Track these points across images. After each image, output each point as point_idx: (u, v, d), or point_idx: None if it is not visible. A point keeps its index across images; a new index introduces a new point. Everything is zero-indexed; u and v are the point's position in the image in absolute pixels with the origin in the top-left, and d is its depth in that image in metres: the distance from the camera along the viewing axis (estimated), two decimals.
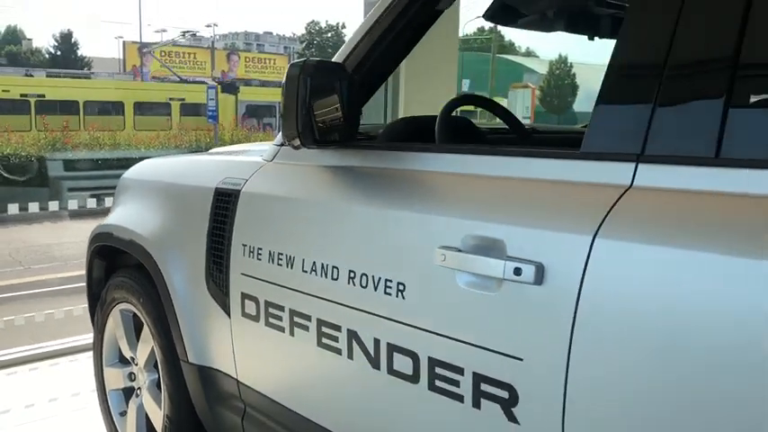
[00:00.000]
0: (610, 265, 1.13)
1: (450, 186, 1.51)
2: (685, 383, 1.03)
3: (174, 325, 2.16)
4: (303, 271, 1.70)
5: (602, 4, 2.06)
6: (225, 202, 1.99)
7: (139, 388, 2.49)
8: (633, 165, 1.17)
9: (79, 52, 53.19)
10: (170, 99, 22.39)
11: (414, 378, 1.44)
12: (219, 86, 23.31)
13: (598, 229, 1.15)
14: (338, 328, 1.61)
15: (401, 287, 1.46)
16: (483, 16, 2.17)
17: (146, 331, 2.36)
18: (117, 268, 2.61)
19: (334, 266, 1.62)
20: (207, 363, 2.11)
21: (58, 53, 51.94)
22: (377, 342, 1.52)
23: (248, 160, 2.09)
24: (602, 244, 1.14)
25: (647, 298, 1.08)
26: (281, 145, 1.93)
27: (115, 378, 2.62)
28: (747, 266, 0.98)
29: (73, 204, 5.33)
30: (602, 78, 1.27)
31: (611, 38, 2.07)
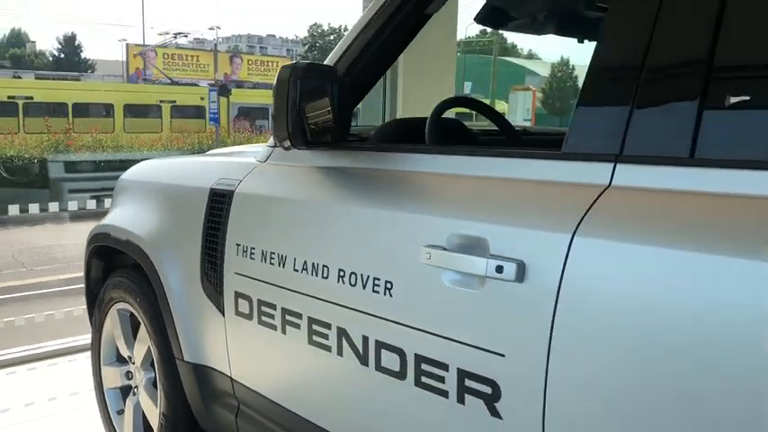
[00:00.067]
0: (588, 263, 1.16)
1: (438, 186, 1.54)
2: (663, 380, 1.06)
3: (169, 324, 2.19)
4: (295, 270, 1.73)
5: (591, 7, 2.09)
6: (219, 203, 2.03)
7: (136, 386, 2.52)
8: (612, 165, 1.20)
9: (83, 55, 53.37)
10: (160, 101, 22.22)
11: (401, 374, 1.47)
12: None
13: (577, 228, 1.18)
14: (328, 326, 1.64)
15: (389, 285, 1.49)
16: (474, 19, 2.19)
17: (142, 330, 2.39)
18: (115, 268, 2.64)
19: (324, 265, 1.65)
20: (202, 361, 2.14)
21: (62, 56, 52.11)
22: (365, 339, 1.55)
23: (242, 161, 2.12)
24: (581, 242, 1.17)
25: (625, 295, 1.11)
26: (274, 146, 1.96)
27: (113, 377, 2.65)
28: (722, 264, 1.01)
29: (73, 206, 5.37)
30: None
31: None
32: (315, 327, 1.68)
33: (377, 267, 1.52)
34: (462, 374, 1.34)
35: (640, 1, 1.23)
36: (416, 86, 4.22)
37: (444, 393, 1.38)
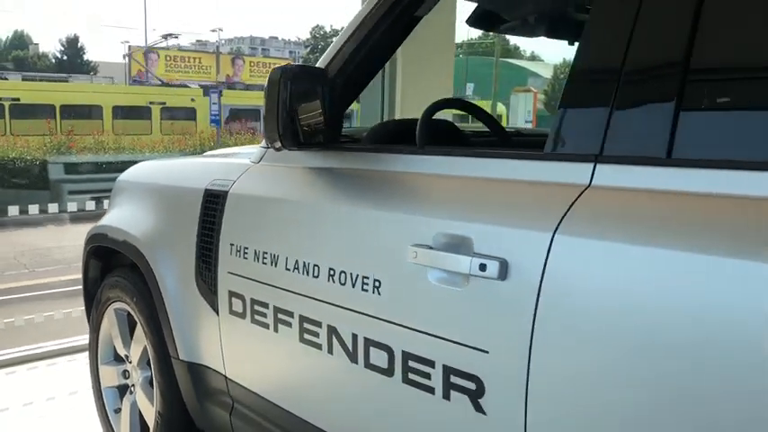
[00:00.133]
0: (568, 261, 1.19)
1: (425, 187, 1.57)
2: (642, 375, 1.08)
3: (165, 323, 2.22)
4: (286, 269, 1.76)
5: (581, 9, 2.12)
6: (213, 203, 2.05)
7: (133, 385, 2.54)
8: (592, 165, 1.23)
9: (85, 57, 53.48)
10: (150, 103, 21.94)
11: (389, 371, 1.49)
12: (203, 90, 23.06)
13: (557, 227, 1.20)
14: (319, 324, 1.67)
15: (377, 284, 1.51)
16: (466, 22, 2.22)
17: (139, 330, 2.42)
18: (112, 268, 2.67)
19: (315, 264, 1.67)
20: (197, 360, 2.16)
21: (65, 58, 52.22)
22: (355, 337, 1.57)
23: (237, 162, 2.15)
24: (562, 240, 1.19)
25: (604, 292, 1.14)
26: (267, 147, 1.99)
27: (110, 376, 2.67)
28: (698, 262, 1.03)
29: (72, 207, 5.40)
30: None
31: None
32: (306, 325, 1.71)
33: (366, 266, 1.55)
34: (448, 371, 1.37)
35: (619, 4, 1.26)
36: (415, 88, 4.24)
37: (431, 390, 1.41)
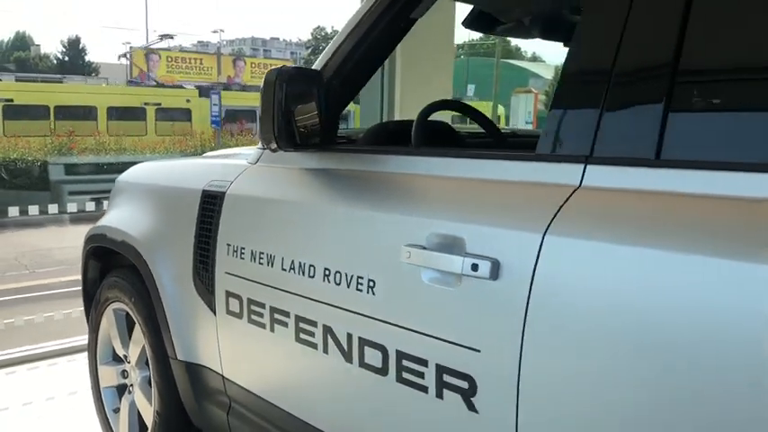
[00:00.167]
0: (558, 261, 1.20)
1: (419, 187, 1.58)
2: (631, 373, 1.09)
3: (163, 323, 2.23)
4: (283, 269, 1.77)
5: (576, 11, 2.13)
6: (211, 204, 2.07)
7: (132, 385, 2.56)
8: (582, 166, 1.24)
9: (87, 58, 53.54)
10: (145, 104, 21.71)
11: (383, 371, 1.51)
12: (198, 91, 22.82)
13: (548, 227, 1.22)
14: (314, 324, 1.68)
15: (372, 284, 1.52)
16: (462, 24, 2.23)
17: (137, 330, 2.44)
18: (111, 269, 2.68)
19: (311, 265, 1.69)
20: (194, 359, 2.18)
21: (66, 59, 52.29)
22: (350, 337, 1.59)
23: (234, 163, 2.16)
24: (552, 241, 1.21)
25: (593, 292, 1.15)
26: (264, 149, 2.00)
27: (109, 376, 2.69)
28: (686, 262, 1.05)
29: (72, 207, 5.42)
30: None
31: None
32: (302, 325, 1.72)
33: (361, 266, 1.56)
34: (441, 370, 1.38)
35: (609, 8, 1.27)
36: (414, 89, 4.26)
37: (424, 389, 1.42)
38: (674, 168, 1.13)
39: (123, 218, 2.50)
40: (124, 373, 2.63)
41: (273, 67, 1.70)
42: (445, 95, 4.50)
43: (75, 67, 48.87)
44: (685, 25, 1.15)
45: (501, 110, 24.45)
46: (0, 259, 9.54)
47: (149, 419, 2.42)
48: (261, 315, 1.85)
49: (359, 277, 1.55)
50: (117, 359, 2.67)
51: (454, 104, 2.13)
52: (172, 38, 30.68)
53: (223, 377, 2.08)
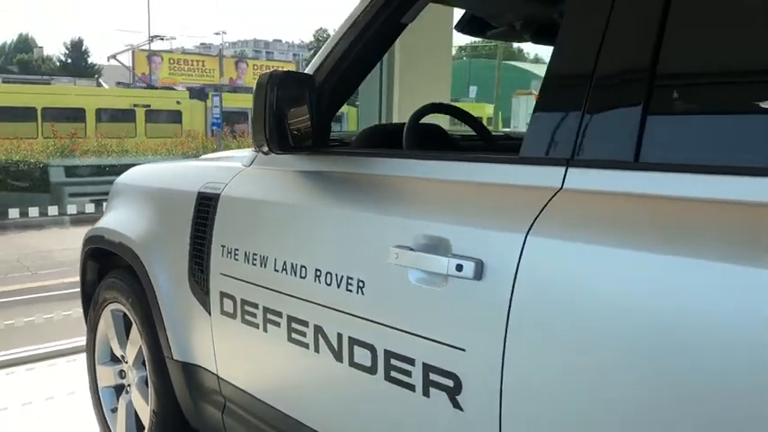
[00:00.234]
0: (539, 262, 1.23)
1: (408, 189, 1.61)
2: (611, 371, 1.12)
3: (159, 323, 2.26)
4: (275, 270, 1.80)
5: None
6: (206, 206, 2.10)
7: (129, 385, 2.59)
8: (564, 168, 1.27)
9: (89, 60, 53.65)
10: (134, 106, 21.34)
11: (372, 369, 1.54)
12: (188, 92, 22.54)
13: (530, 228, 1.24)
14: (306, 324, 1.71)
15: (361, 284, 1.55)
16: (455, 28, 2.26)
17: (134, 330, 2.47)
18: (109, 270, 2.71)
19: (302, 266, 1.72)
20: (190, 359, 2.20)
21: (69, 61, 52.40)
22: (339, 336, 1.62)
23: (229, 165, 2.19)
24: (534, 242, 1.23)
25: (573, 292, 1.17)
26: (258, 151, 2.03)
27: (107, 376, 2.72)
28: (662, 262, 1.07)
29: (72, 209, 5.45)
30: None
31: None
32: (294, 325, 1.75)
33: (350, 267, 1.59)
34: (427, 369, 1.41)
35: (590, 13, 1.30)
36: (412, 91, 4.29)
37: (411, 387, 1.45)
38: (652, 171, 1.16)
39: (121, 219, 2.53)
40: (122, 373, 2.66)
41: (264, 72, 1.73)
42: (444, 97, 4.53)
43: (78, 68, 48.96)
44: (663, 31, 1.18)
45: (493, 111, 24.44)
46: (2, 261, 9.57)
47: (146, 419, 2.45)
48: (254, 315, 1.88)
49: (349, 278, 1.58)
50: (115, 359, 2.70)
51: (445, 107, 2.16)
52: (162, 39, 30.48)
53: (218, 377, 2.11)
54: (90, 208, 5.39)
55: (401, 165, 1.66)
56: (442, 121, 2.56)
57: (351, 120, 19.07)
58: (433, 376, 1.40)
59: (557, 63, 1.36)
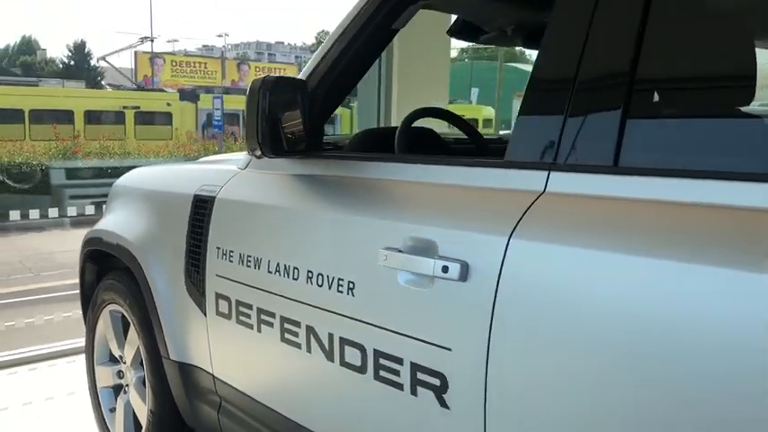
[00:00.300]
0: (522, 263, 1.26)
1: (398, 193, 1.64)
2: (591, 372, 1.15)
3: (156, 324, 2.30)
4: (269, 272, 1.83)
5: None
6: (202, 208, 2.13)
7: (127, 385, 2.62)
8: (546, 173, 1.30)
9: (92, 62, 53.72)
10: (123, 107, 21.13)
11: (362, 369, 1.57)
12: (179, 94, 22.43)
13: (513, 231, 1.27)
14: (298, 324, 1.74)
15: (351, 285, 1.59)
16: (447, 33, 2.29)
17: (132, 331, 2.50)
18: (108, 271, 2.75)
19: (295, 267, 1.75)
20: (186, 359, 2.24)
21: (72, 63, 52.52)
22: (331, 336, 1.65)
23: (225, 168, 2.22)
24: (516, 244, 1.27)
25: (553, 293, 1.21)
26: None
27: (105, 376, 2.75)
28: (641, 264, 1.11)
29: (72, 211, 5.49)
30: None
31: None
32: (287, 325, 1.78)
33: (341, 269, 1.62)
34: (415, 368, 1.44)
35: (572, 19, 1.33)
36: (411, 93, 4.32)
37: (399, 386, 1.48)
38: (630, 175, 1.19)
39: (119, 222, 2.57)
40: (120, 374, 2.69)
41: (257, 77, 1.77)
42: (442, 99, 4.56)
43: (81, 70, 49.07)
44: (641, 39, 1.21)
45: (491, 113, 24.38)
46: (5, 263, 9.61)
47: (144, 419, 2.48)
48: (248, 316, 1.91)
49: (339, 279, 1.61)
50: (113, 360, 2.73)
51: (437, 112, 2.19)
52: (152, 40, 30.39)
53: (213, 376, 2.14)
54: (90, 210, 5.41)
55: (391, 168, 1.69)
56: (441, 123, 2.59)
57: (344, 121, 19.05)
58: (420, 375, 1.43)
59: (540, 68, 1.39)
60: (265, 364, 1.94)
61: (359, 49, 1.83)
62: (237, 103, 19.78)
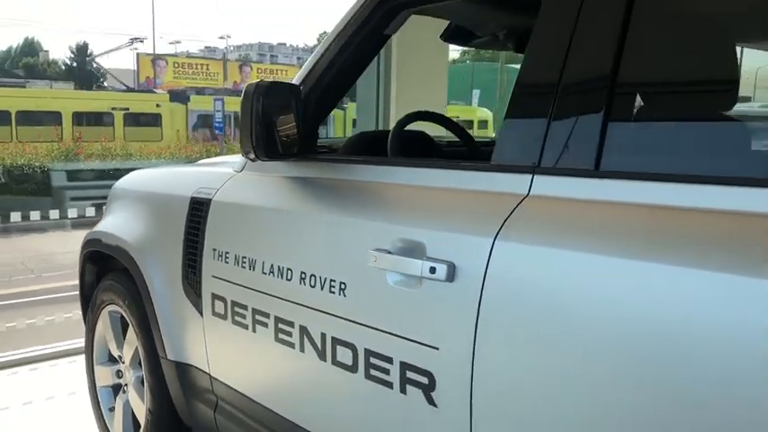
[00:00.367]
0: (506, 265, 1.29)
1: (389, 195, 1.68)
2: (573, 369, 1.18)
3: (154, 324, 2.33)
4: (263, 273, 1.87)
5: None
6: (198, 210, 2.17)
7: (126, 384, 2.66)
8: (530, 176, 1.34)
9: (95, 64, 53.77)
10: (112, 109, 20.95)
11: (353, 368, 1.60)
12: (169, 96, 22.30)
13: (498, 233, 1.31)
14: (292, 324, 1.78)
15: (343, 286, 1.62)
16: (440, 37, 2.33)
17: (131, 331, 2.53)
18: (107, 272, 2.78)
19: (288, 268, 1.78)
20: (183, 359, 2.27)
21: (74, 64, 52.60)
22: (323, 336, 1.68)
23: (221, 171, 2.26)
24: (501, 246, 1.30)
25: (536, 293, 1.24)
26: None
27: (105, 376, 2.79)
28: (622, 266, 1.14)
29: (73, 213, 5.54)
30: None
31: None
32: (280, 325, 1.82)
33: (333, 270, 1.66)
34: (404, 367, 1.47)
35: (556, 25, 1.37)
36: (410, 96, 4.35)
37: (389, 385, 1.51)
38: (610, 179, 1.23)
39: (118, 223, 2.60)
40: (119, 373, 2.73)
41: (251, 82, 1.80)
42: (441, 101, 4.60)
43: (83, 72, 49.13)
44: (623, 45, 1.24)
45: (486, 114, 24.34)
46: (7, 264, 9.65)
47: (142, 417, 2.52)
48: (244, 316, 1.95)
49: (331, 280, 1.65)
50: (112, 359, 2.77)
51: (430, 115, 2.23)
52: (142, 41, 30.36)
53: (210, 376, 2.17)
54: (90, 211, 5.46)
55: (383, 171, 1.73)
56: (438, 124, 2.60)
57: (337, 122, 19.04)
58: (409, 374, 1.46)
59: (525, 72, 1.43)
60: (260, 364, 1.98)
61: (351, 54, 1.87)
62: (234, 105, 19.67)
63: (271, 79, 1.82)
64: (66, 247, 9.87)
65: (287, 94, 1.80)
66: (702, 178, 1.13)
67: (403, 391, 1.48)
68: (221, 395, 2.15)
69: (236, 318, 1.98)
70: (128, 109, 21.15)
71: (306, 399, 1.84)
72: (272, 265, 1.84)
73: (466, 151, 2.24)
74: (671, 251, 1.09)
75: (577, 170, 1.27)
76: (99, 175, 14.47)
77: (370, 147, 2.05)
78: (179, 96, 22.59)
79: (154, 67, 30.22)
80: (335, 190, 1.81)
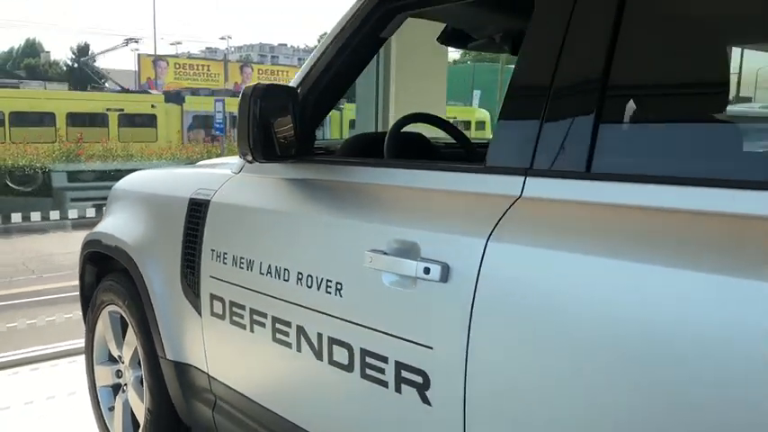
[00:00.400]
0: (499, 265, 1.31)
1: (385, 197, 1.70)
2: (564, 368, 1.20)
3: (153, 324, 2.35)
4: (261, 273, 1.89)
5: None
6: (197, 211, 2.19)
7: (125, 384, 2.68)
8: (523, 178, 1.36)
9: (96, 64, 53.85)
10: (107, 109, 20.88)
11: (349, 367, 1.62)
12: (164, 96, 22.23)
13: (491, 234, 1.33)
14: (289, 324, 1.80)
15: (339, 286, 1.64)
16: (437, 40, 2.35)
17: (130, 331, 2.55)
18: (107, 273, 2.80)
19: (285, 269, 1.80)
20: (182, 359, 2.29)
21: (75, 65, 52.63)
22: (320, 336, 1.70)
23: (220, 173, 2.28)
24: (494, 246, 1.32)
25: (528, 293, 1.26)
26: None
27: (104, 375, 2.81)
28: (613, 266, 1.16)
29: (74, 214, 5.56)
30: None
31: None
32: (278, 325, 1.84)
33: (330, 270, 1.68)
34: (399, 366, 1.49)
35: (548, 28, 1.39)
36: (409, 97, 4.36)
37: (385, 384, 1.53)
38: (602, 181, 1.25)
39: (117, 224, 2.62)
40: (118, 373, 2.74)
41: (248, 84, 1.82)
42: (440, 102, 4.62)
43: (84, 73, 49.18)
44: (614, 49, 1.26)
45: (484, 115, 24.35)
46: (8, 264, 9.68)
47: (141, 417, 2.54)
48: (241, 317, 1.97)
49: (328, 280, 1.67)
50: (112, 359, 2.79)
51: (425, 117, 2.25)
52: (137, 41, 30.33)
53: (208, 375, 2.19)
54: (91, 212, 5.48)
55: (379, 173, 1.75)
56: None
57: (334, 123, 19.04)
58: (404, 373, 1.48)
59: (518, 75, 1.45)
60: (257, 364, 1.99)
61: (348, 57, 1.89)
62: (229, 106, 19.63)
63: (271, 81, 1.84)
64: (67, 247, 9.90)
65: (284, 97, 1.82)
66: (693, 180, 1.15)
67: (398, 390, 1.50)
68: (220, 395, 2.17)
69: (234, 318, 2.00)
70: (122, 110, 21.09)
71: (303, 398, 1.86)
72: (269, 266, 1.86)
73: (462, 153, 2.26)
74: (662, 252, 1.11)
75: (569, 172, 1.29)
76: (99, 176, 14.49)
77: (367, 149, 2.07)
78: (174, 97, 22.55)
79: (155, 67, 30.22)
80: (332, 191, 1.83)
